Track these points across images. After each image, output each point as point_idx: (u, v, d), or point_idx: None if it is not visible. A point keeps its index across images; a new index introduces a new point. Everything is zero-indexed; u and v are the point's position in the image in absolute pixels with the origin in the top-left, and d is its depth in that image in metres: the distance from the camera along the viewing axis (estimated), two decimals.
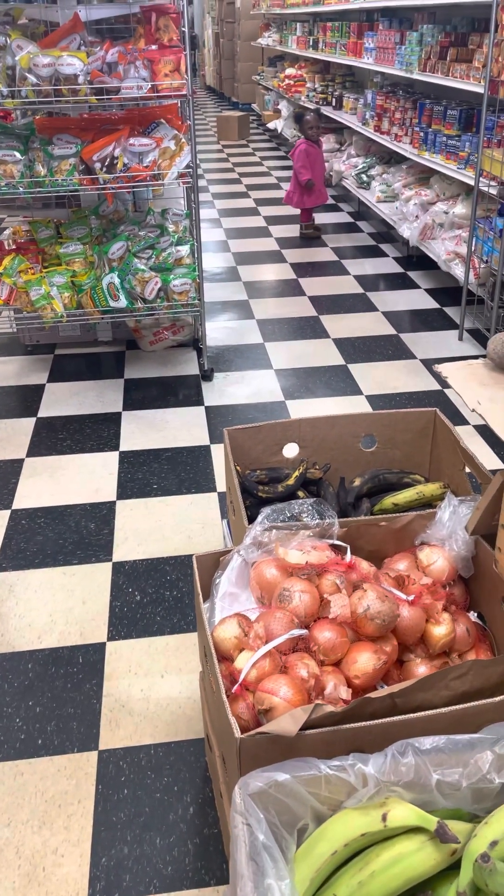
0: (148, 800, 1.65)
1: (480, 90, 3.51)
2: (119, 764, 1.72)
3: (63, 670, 1.98)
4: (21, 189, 2.93)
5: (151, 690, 1.91)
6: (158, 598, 2.23)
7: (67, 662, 2.00)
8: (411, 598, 1.42)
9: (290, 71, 9.14)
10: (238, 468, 1.90)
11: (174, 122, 3.11)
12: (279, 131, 9.61)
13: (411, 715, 1.15)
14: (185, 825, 1.59)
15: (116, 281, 3.10)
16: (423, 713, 1.15)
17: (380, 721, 1.14)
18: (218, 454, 2.94)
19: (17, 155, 2.88)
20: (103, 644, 2.07)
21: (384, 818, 1.03)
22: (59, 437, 3.09)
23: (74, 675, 1.96)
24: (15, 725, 1.82)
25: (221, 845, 1.55)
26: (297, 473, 1.95)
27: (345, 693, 1.28)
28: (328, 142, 7.54)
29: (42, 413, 3.27)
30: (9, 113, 3.50)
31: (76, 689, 1.92)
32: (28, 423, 3.19)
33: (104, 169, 2.90)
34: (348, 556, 1.48)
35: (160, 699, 1.88)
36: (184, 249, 3.29)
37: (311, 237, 5.63)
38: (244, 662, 1.28)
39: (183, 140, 3.00)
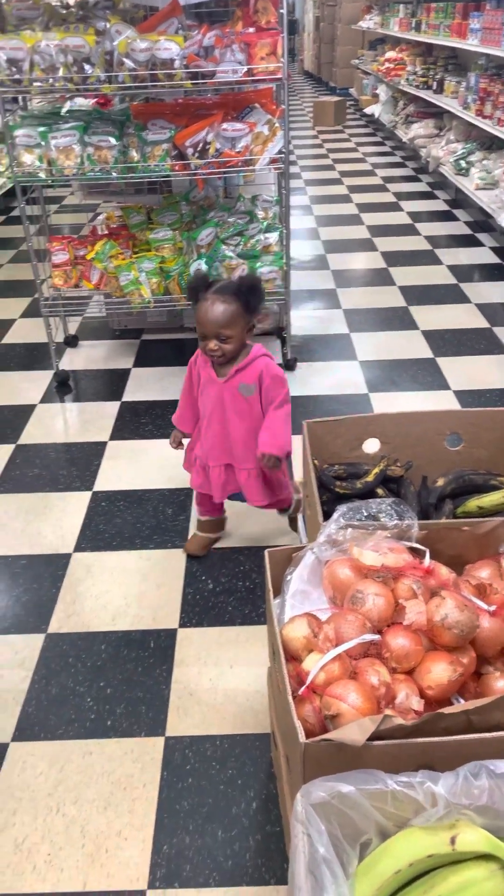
0: (212, 791, 1.64)
1: None
2: (185, 752, 1.72)
3: (135, 654, 2.00)
4: (115, 174, 2.95)
5: (220, 681, 1.90)
6: (231, 587, 2.22)
7: (139, 646, 2.02)
8: (493, 608, 1.35)
9: (390, 54, 8.91)
10: (316, 462, 1.86)
11: (268, 106, 3.07)
12: (377, 116, 9.41)
13: (487, 734, 1.09)
14: (248, 820, 1.58)
15: (204, 267, 3.09)
16: (500, 733, 1.09)
17: (453, 738, 1.08)
18: (297, 446, 2.90)
19: (113, 140, 2.90)
20: (175, 630, 2.07)
21: (453, 841, 0.98)
22: (142, 421, 3.12)
23: (146, 660, 1.98)
24: (86, 705, 1.85)
25: (283, 844, 1.52)
26: (377, 470, 1.89)
27: (416, 704, 1.22)
28: (426, 127, 7.32)
29: (126, 397, 3.32)
30: (109, 100, 3.55)
31: (146, 674, 1.93)
32: (112, 407, 3.24)
33: (196, 154, 2.89)
34: (427, 561, 1.42)
35: (228, 690, 1.88)
36: (272, 237, 3.25)
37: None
38: (312, 664, 1.24)
39: (277, 125, 2.96)
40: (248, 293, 1.93)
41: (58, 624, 2.10)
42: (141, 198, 3.61)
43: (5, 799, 1.64)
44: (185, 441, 2.24)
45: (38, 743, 1.76)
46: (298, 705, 1.21)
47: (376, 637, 1.28)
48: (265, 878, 1.47)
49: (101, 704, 1.86)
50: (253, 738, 1.75)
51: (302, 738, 1.09)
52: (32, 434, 3.06)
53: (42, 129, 2.88)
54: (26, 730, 1.79)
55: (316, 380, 3.38)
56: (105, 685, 1.91)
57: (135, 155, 2.94)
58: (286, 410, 2.07)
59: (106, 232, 3.46)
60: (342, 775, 1.00)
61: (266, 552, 1.47)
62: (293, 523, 2.39)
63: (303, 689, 1.22)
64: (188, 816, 1.59)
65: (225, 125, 2.92)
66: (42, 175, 2.94)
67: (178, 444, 2.22)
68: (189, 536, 2.41)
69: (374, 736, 1.08)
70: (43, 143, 2.88)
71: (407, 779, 0.99)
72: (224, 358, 1.99)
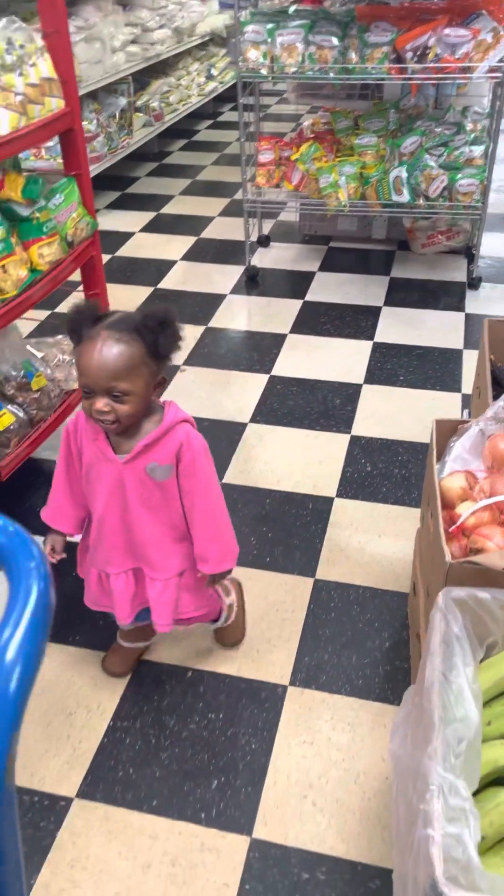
0: (351, 626, 1.88)
1: None
2: (331, 593, 1.97)
3: (295, 511, 2.25)
4: (332, 75, 3.05)
5: (368, 544, 2.12)
6: (387, 472, 2.40)
7: (299, 505, 2.27)
8: None
9: None
10: (492, 357, 1.96)
11: (496, 14, 3.01)
12: None
13: None
14: (380, 654, 1.80)
15: (403, 175, 3.16)
16: None
17: None
18: (469, 359, 2.98)
19: (335, 41, 2.99)
20: (332, 499, 2.30)
21: None
22: (321, 320, 3.30)
23: (304, 517, 2.22)
24: (249, 543, 2.13)
25: (409, 678, 1.74)
26: None
27: None
28: None
29: (309, 297, 3.50)
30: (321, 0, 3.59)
31: (303, 528, 2.18)
32: (295, 305, 3.44)
33: (415, 59, 2.92)
34: None
35: (374, 553, 2.09)
36: (477, 150, 3.23)
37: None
38: (465, 510, 1.41)
39: (502, 32, 2.91)
40: (157, 330, 1.31)
41: (231, 476, 2.39)
42: (351, 103, 3.68)
43: None
44: (75, 539, 1.61)
45: None
46: (447, 541, 1.39)
47: None
48: (389, 699, 1.70)
49: (262, 544, 2.13)
50: (392, 594, 1.96)
51: (448, 558, 1.27)
52: (221, 319, 3.34)
53: (270, 25, 3.02)
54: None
55: (498, 303, 3.39)
56: (266, 530, 2.18)
57: (354, 57, 3.02)
58: (220, 497, 1.52)
59: (312, 135, 3.58)
60: (481, 587, 1.18)
61: (434, 420, 1.63)
62: (223, 638, 1.82)
63: (453, 527, 1.39)
64: (328, 641, 1.84)
65: (448, 30, 2.91)
66: (263, 72, 3.10)
67: (59, 553, 1.56)
68: (112, 647, 1.79)
69: None
70: (269, 39, 3.03)
71: None
72: (119, 425, 1.36)
